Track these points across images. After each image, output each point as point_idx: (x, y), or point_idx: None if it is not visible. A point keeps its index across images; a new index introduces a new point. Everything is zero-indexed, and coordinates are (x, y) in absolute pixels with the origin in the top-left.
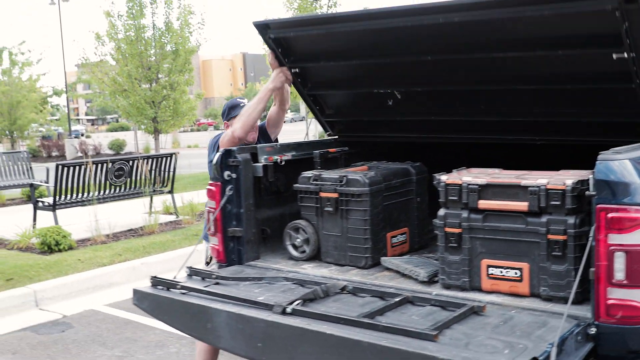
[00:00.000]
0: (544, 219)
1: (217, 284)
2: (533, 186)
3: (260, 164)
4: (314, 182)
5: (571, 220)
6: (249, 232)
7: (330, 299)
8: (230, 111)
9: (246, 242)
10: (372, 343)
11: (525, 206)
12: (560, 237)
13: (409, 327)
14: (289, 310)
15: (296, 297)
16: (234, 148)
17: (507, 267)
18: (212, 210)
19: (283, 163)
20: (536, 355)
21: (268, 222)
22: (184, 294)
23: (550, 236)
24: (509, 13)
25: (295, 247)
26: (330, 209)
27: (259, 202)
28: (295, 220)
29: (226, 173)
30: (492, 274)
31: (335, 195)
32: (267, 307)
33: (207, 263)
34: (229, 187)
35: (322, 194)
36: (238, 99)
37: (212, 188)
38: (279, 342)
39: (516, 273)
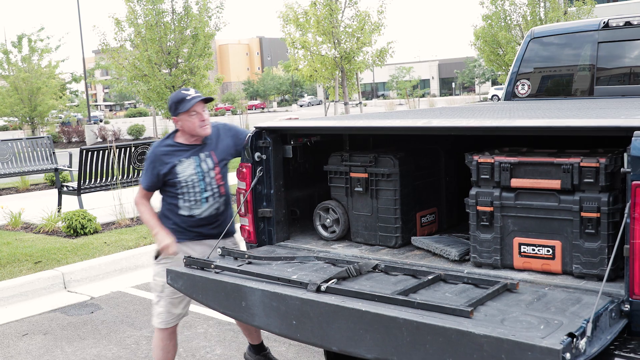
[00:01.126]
0: (577, 196)
1: (249, 263)
2: (566, 164)
3: (290, 145)
4: (344, 162)
5: (604, 197)
6: (279, 213)
7: (363, 277)
8: (178, 106)
9: (276, 222)
10: (408, 319)
11: (558, 184)
12: (594, 215)
13: (444, 303)
14: (323, 288)
15: (329, 275)
16: (266, 127)
17: (540, 245)
18: (243, 191)
19: (312, 144)
20: (572, 331)
21: (297, 203)
22: (218, 273)
23: (583, 214)
24: None
25: (325, 227)
26: (360, 189)
27: (288, 183)
28: (324, 201)
29: (256, 154)
30: (524, 252)
31: (365, 175)
32: (302, 285)
33: (156, 257)
34: (259, 168)
35: (353, 174)
36: (182, 91)
37: (243, 169)
38: (313, 319)
39: (548, 251)
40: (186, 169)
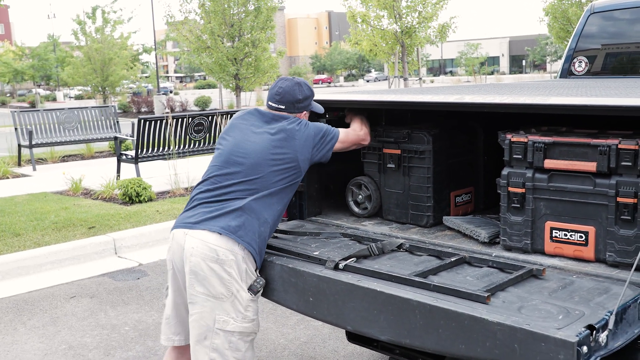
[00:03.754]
0: (613, 180)
1: (274, 237)
2: (603, 145)
3: (325, 119)
4: (377, 138)
5: None
6: (311, 188)
7: (386, 256)
8: (312, 102)
9: (308, 197)
10: (421, 302)
11: (593, 166)
12: (631, 200)
13: (461, 287)
14: (341, 266)
15: (351, 253)
16: None
17: (572, 230)
18: None
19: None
20: (592, 323)
21: (331, 178)
22: None
23: (619, 199)
24: None
25: (357, 203)
26: (392, 165)
27: None
28: (358, 176)
29: None
30: (555, 237)
31: (398, 151)
32: (320, 262)
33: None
34: None
35: (385, 150)
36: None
37: None
38: (329, 297)
39: (581, 237)
40: None
